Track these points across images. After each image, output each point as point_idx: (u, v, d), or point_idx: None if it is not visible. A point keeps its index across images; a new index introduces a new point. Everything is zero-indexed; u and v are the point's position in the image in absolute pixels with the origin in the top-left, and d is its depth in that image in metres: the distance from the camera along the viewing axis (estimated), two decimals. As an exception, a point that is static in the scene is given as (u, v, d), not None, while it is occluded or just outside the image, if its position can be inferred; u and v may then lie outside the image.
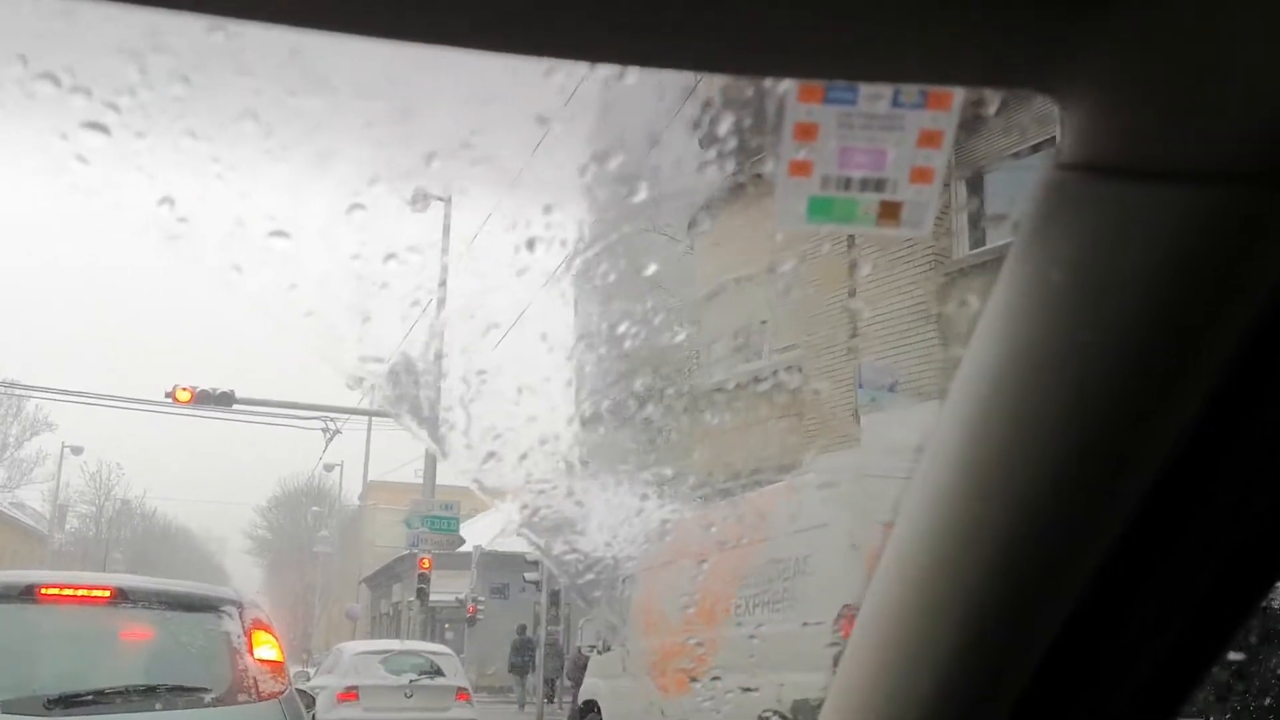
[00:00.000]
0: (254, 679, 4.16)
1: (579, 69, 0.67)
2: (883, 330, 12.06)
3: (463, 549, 24.51)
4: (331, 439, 27.27)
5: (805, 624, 7.64)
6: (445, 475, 31.07)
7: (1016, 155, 11.03)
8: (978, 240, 11.57)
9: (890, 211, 0.85)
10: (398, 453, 45.04)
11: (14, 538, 50.53)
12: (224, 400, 20.77)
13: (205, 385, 20.41)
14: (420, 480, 23.94)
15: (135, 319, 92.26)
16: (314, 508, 59.66)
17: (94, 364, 68.66)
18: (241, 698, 4.10)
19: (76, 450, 51.04)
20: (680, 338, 18.27)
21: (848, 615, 7.33)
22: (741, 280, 15.08)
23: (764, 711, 7.87)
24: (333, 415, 26.39)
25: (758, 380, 14.57)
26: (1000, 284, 0.81)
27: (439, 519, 21.70)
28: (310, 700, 4.77)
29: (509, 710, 22.05)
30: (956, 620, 0.83)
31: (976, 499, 0.81)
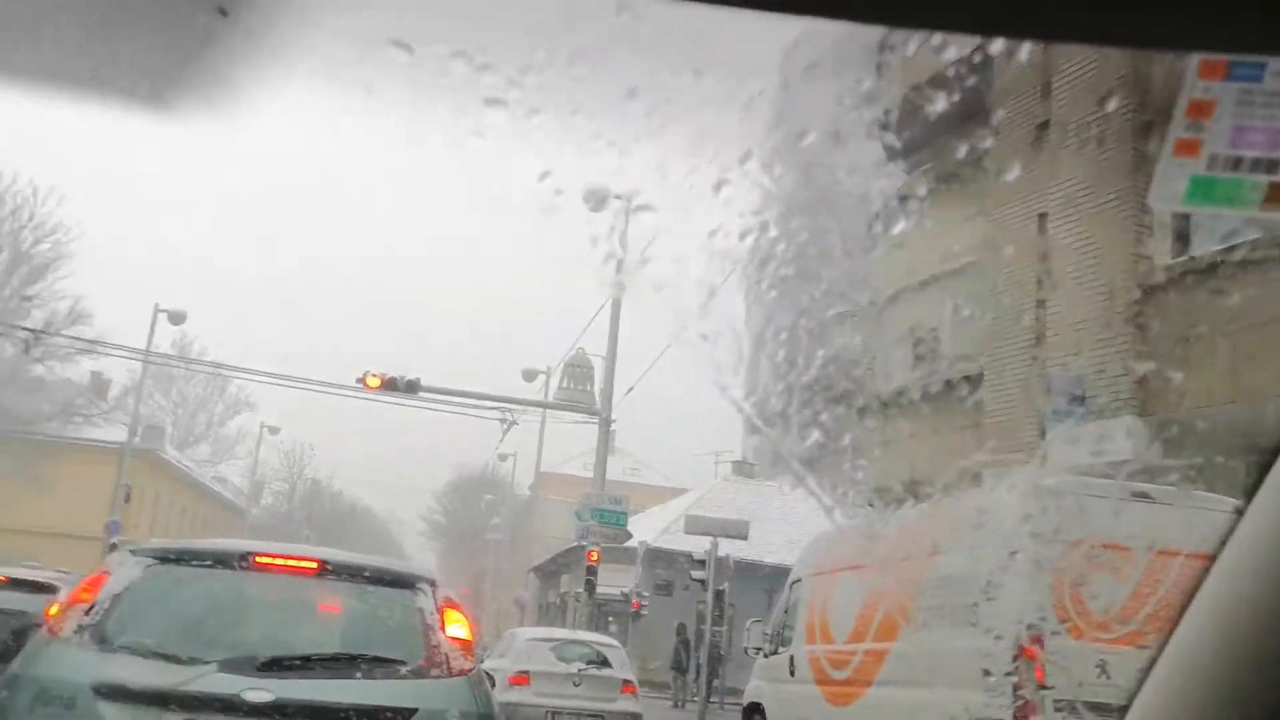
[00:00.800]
0: (446, 655, 4.34)
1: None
2: (1072, 341, 11.60)
3: (629, 544, 24.81)
4: (508, 430, 28.06)
5: (985, 642, 7.44)
6: (615, 470, 31.54)
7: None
8: (1181, 248, 10.99)
9: (1277, 193, 0.82)
10: (569, 445, 45.97)
11: (215, 510, 53.97)
12: (411, 388, 21.64)
13: (394, 373, 21.32)
14: (590, 473, 24.35)
15: (332, 305, 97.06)
16: (487, 495, 61.42)
17: (294, 349, 72.53)
18: (434, 672, 4.28)
19: (274, 430, 54.08)
20: (856, 342, 18.03)
21: (1031, 636, 7.11)
22: (922, 285, 14.77)
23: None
24: (510, 407, 27.13)
25: (937, 388, 14.23)
26: None
27: (608, 513, 22.02)
28: (492, 680, 4.97)
29: (663, 706, 22.18)
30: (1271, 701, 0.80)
31: None
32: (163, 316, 33.73)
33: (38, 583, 11.17)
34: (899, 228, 15.54)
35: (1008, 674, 7.03)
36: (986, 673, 7.20)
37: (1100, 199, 11.46)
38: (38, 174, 37.12)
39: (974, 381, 13.25)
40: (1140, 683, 0.92)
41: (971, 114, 13.78)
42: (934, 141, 13.49)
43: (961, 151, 13.19)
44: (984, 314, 13.27)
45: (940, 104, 14.02)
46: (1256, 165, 0.80)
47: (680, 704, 24.93)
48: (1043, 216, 12.30)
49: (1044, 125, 12.47)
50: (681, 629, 26.92)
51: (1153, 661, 0.91)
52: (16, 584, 11.35)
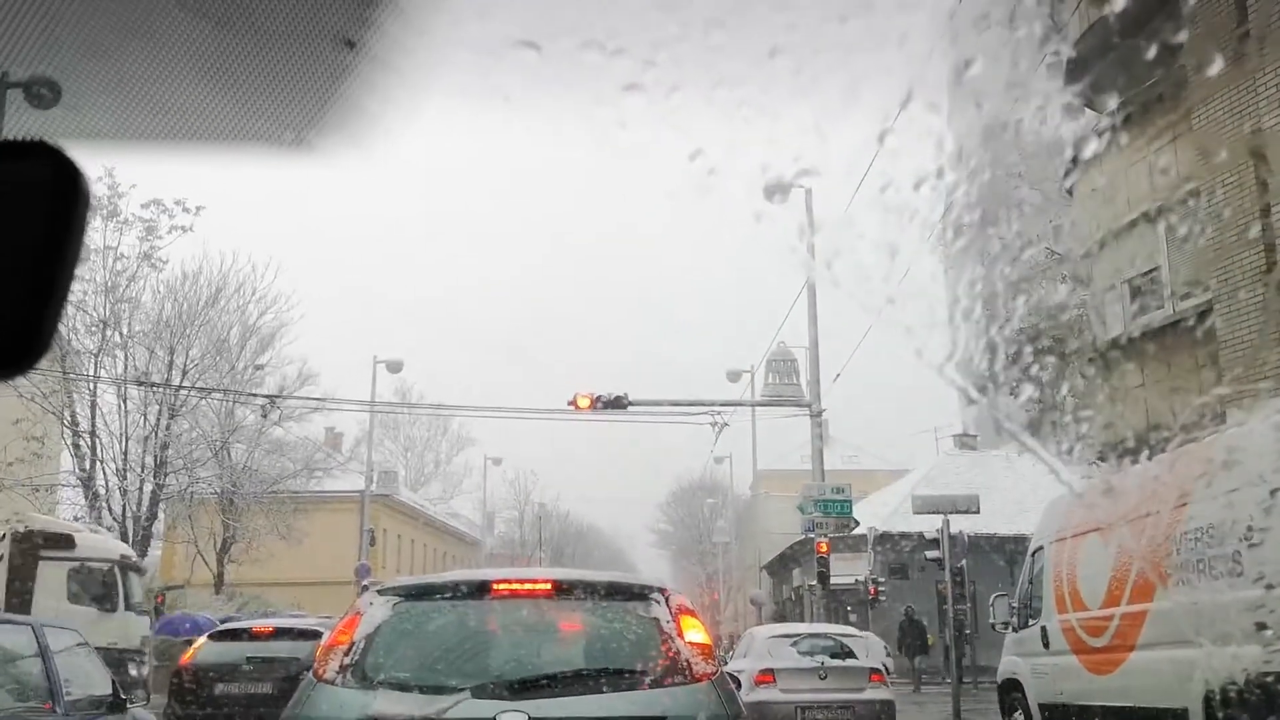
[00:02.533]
0: (687, 661, 4.38)
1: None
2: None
3: (858, 531, 24.45)
4: (720, 432, 28.14)
5: (1254, 592, 6.93)
6: (832, 459, 31.14)
7: None
8: None
9: None
10: (783, 440, 45.73)
11: (452, 543, 56.51)
12: (618, 404, 22.05)
13: (601, 391, 21.77)
14: (808, 465, 24.13)
15: (539, 332, 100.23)
16: (709, 500, 61.83)
17: (504, 380, 75.32)
18: (677, 679, 4.32)
19: (496, 461, 56.19)
20: (1069, 294, 17.20)
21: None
22: (1132, 223, 13.93)
23: (1212, 688, 7.23)
24: (718, 409, 27.23)
25: (1162, 328, 13.39)
26: None
27: (831, 502, 21.79)
28: (737, 682, 4.98)
29: (903, 691, 21.64)
30: None
31: None
32: (381, 367, 35.66)
33: (303, 629, 11.98)
34: (1098, 168, 14.73)
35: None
36: (1261, 625, 6.69)
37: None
38: (243, 246, 39.86)
39: (1203, 314, 12.39)
40: None
41: (1161, 38, 12.94)
42: (1124, 74, 12.73)
43: (1155, 78, 12.41)
44: (1205, 241, 12.39)
45: (1127, 32, 13.26)
46: None
47: (917, 687, 24.34)
48: (1255, 129, 11.39)
49: (1243, 36, 11.56)
50: (909, 610, 26.33)
51: None
52: (284, 632, 12.22)
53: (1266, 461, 6.84)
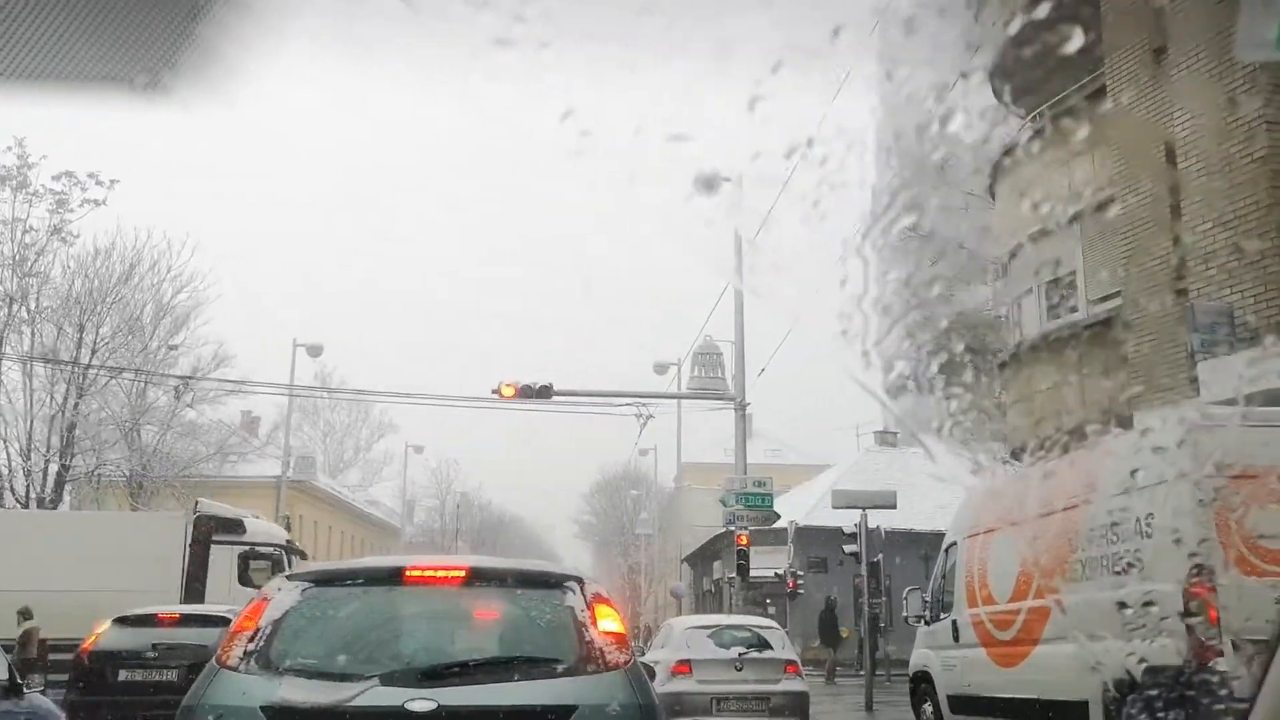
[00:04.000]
0: (600, 650, 4.37)
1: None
2: (1214, 267, 11.03)
3: (778, 525, 24.69)
4: (645, 424, 28.21)
5: (1152, 587, 7.14)
6: (755, 453, 31.40)
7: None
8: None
9: None
10: (708, 433, 46.01)
11: (370, 531, 55.86)
12: (544, 393, 21.95)
13: (527, 380, 21.67)
14: (731, 459, 24.31)
15: (464, 321, 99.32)
16: (633, 491, 61.99)
17: (428, 366, 74.54)
18: (590, 668, 4.31)
19: (418, 449, 55.69)
20: (985, 295, 17.54)
21: (1200, 576, 6.79)
22: (1050, 230, 14.26)
23: (1114, 678, 7.44)
24: (644, 401, 27.29)
25: (1075, 333, 13.73)
26: None
27: (753, 495, 21.96)
28: (651, 672, 4.99)
29: (816, 683, 21.96)
30: None
31: None
32: (301, 350, 35.09)
33: (211, 616, 11.73)
34: (1019, 171, 15.04)
35: (1182, 614, 6.74)
36: (1159, 618, 6.91)
37: (1227, 117, 10.87)
38: (150, 219, 38.90)
39: (1114, 322, 12.73)
40: (1278, 642, 0.85)
41: (1082, 49, 13.22)
42: (1046, 83, 12.99)
43: (1076, 89, 12.70)
44: (1118, 252, 12.73)
45: (1047, 43, 13.52)
46: None
47: (830, 678, 24.69)
48: (1169, 144, 11.73)
49: (1160, 50, 11.88)
50: (830, 602, 26.71)
51: None
52: (191, 619, 11.96)
53: (1164, 463, 7.05)
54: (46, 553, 17.58)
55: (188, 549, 18.30)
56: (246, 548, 18.94)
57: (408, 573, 4.68)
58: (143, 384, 28.75)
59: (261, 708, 4.01)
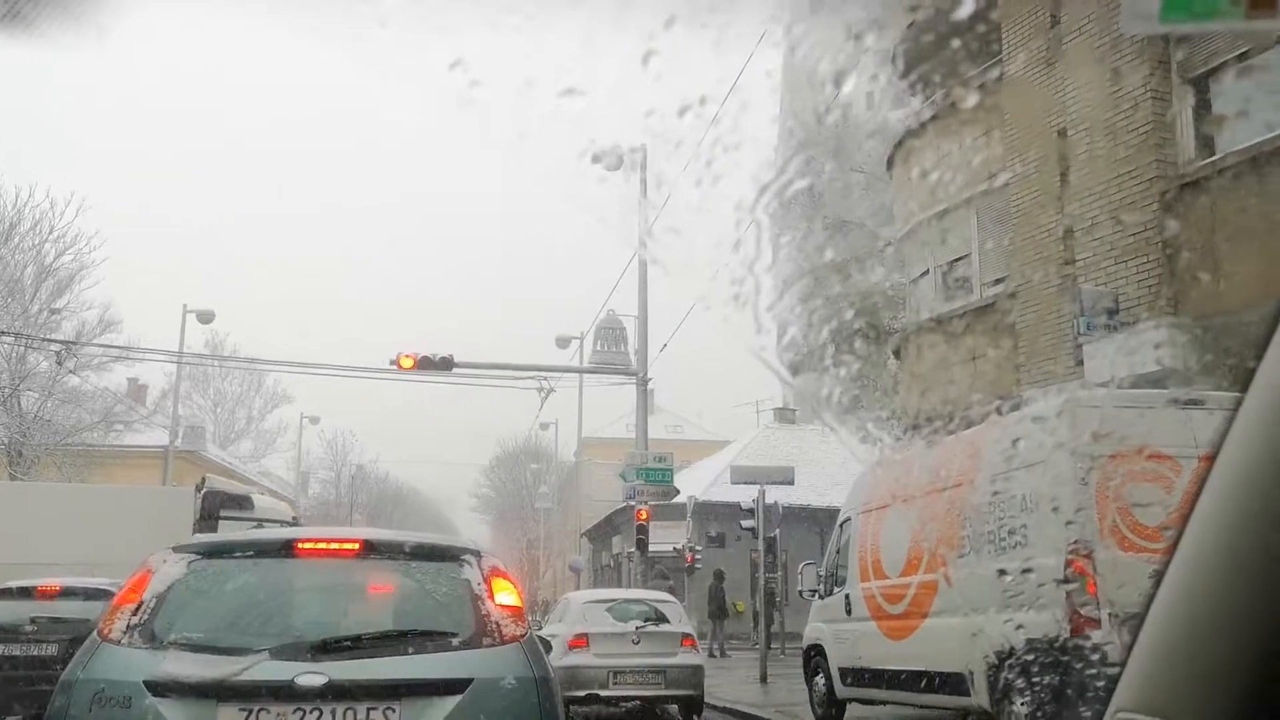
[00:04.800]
0: (496, 623, 4.35)
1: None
2: (1101, 252, 11.41)
3: (678, 500, 24.88)
4: (546, 398, 28.12)
5: (1034, 562, 7.39)
6: (657, 428, 31.57)
7: (1244, 56, 10.18)
8: (1207, 149, 10.74)
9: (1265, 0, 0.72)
10: (609, 408, 46.13)
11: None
12: (444, 365, 21.70)
13: (427, 352, 21.39)
14: (632, 434, 24.39)
15: (362, 289, 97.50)
16: (533, 465, 61.87)
17: (324, 337, 73.16)
18: (486, 641, 4.29)
19: (314, 420, 54.63)
20: (882, 276, 17.87)
21: (1080, 551, 7.05)
22: (947, 212, 14.57)
23: (997, 651, 7.69)
24: (546, 375, 27.18)
25: (967, 315, 14.08)
26: None
27: (653, 471, 22.07)
28: (547, 646, 4.98)
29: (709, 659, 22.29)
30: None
31: None
32: (191, 317, 34.07)
33: (93, 589, 11.37)
34: (917, 156, 15.32)
35: (1062, 585, 6.98)
36: (1039, 590, 7.15)
37: (1118, 106, 11.22)
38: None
39: (1006, 304, 13.10)
40: (1155, 587, 0.88)
41: (979, 34, 13.52)
42: (944, 67, 13.24)
43: (973, 73, 12.97)
44: (1011, 235, 13.08)
45: (945, 27, 13.80)
46: None
47: (718, 652, 24.89)
48: (1061, 130, 12.07)
49: (1055, 37, 12.21)
50: (719, 575, 27.00)
51: (1166, 565, 0.88)
52: (72, 592, 11.57)
53: (1049, 442, 7.28)
54: (51, 525, 17.20)
55: (196, 524, 18.19)
56: (254, 523, 18.64)
57: (300, 545, 4.59)
58: (23, 348, 27.62)
59: (145, 682, 3.90)
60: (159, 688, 3.89)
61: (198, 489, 19.35)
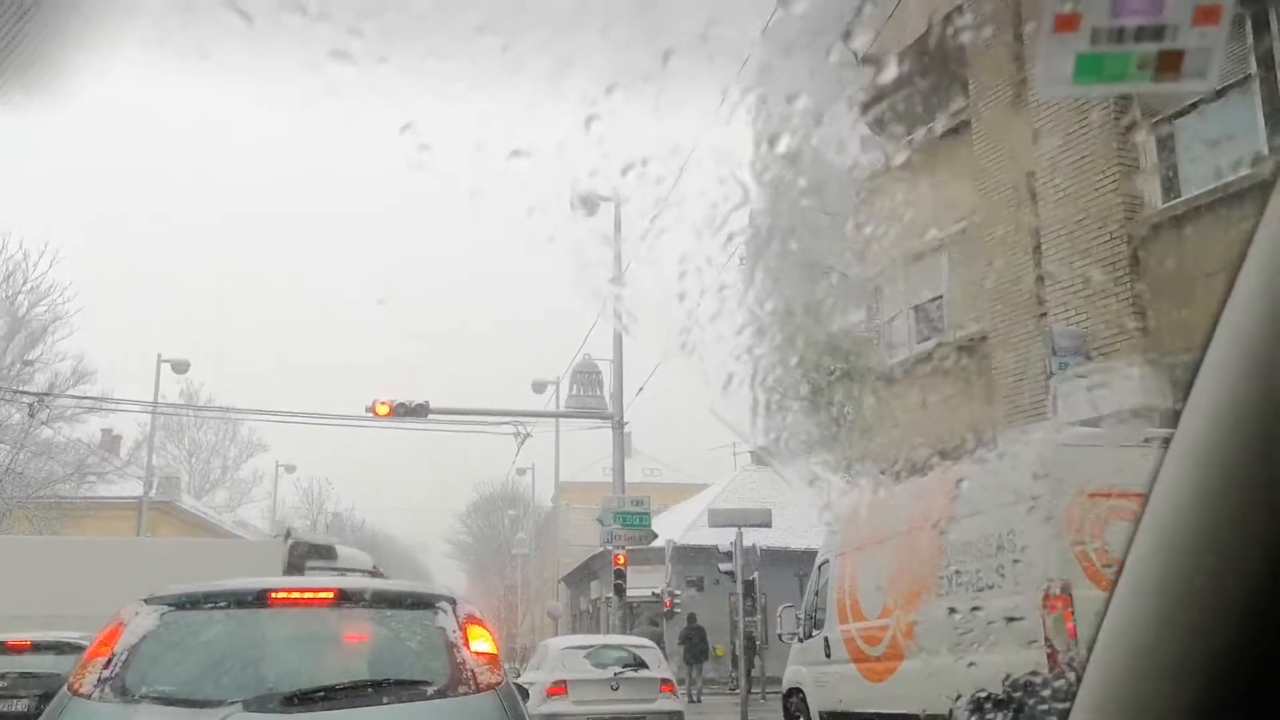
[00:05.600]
0: (472, 671, 4.31)
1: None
2: (1072, 294, 11.55)
3: (656, 544, 24.78)
4: (523, 443, 28.04)
5: (1012, 601, 7.40)
6: (634, 472, 31.52)
7: (1204, 101, 10.39)
8: (1171, 191, 10.93)
9: (1169, 63, 0.76)
10: (586, 452, 46.01)
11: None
12: (419, 411, 21.64)
13: (402, 398, 21.33)
14: (610, 478, 24.34)
15: (337, 337, 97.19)
16: (510, 511, 61.50)
17: (299, 385, 72.76)
18: (461, 689, 4.25)
19: (289, 468, 54.25)
20: (858, 319, 17.98)
21: (1056, 591, 7.07)
22: (919, 255, 14.72)
23: (976, 692, 7.67)
24: (522, 420, 27.13)
25: (941, 356, 14.19)
26: (1263, 232, 0.74)
27: (631, 515, 22.00)
28: (524, 693, 4.94)
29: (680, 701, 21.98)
30: (1221, 627, 0.79)
31: (1237, 487, 0.76)
32: (166, 366, 33.86)
33: (64, 643, 11.19)
34: (888, 200, 15.49)
35: (1042, 627, 7.00)
36: (1020, 631, 7.16)
37: (1084, 150, 11.41)
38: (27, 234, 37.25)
39: (979, 346, 13.21)
40: (1099, 623, 0.91)
41: (949, 80, 13.76)
42: (914, 110, 13.43)
43: (944, 118, 13.18)
44: (983, 277, 13.22)
45: (915, 73, 14.02)
46: (1142, 34, 0.75)
47: (695, 698, 24.52)
48: (1030, 174, 12.26)
49: (1021, 82, 12.43)
50: (692, 618, 26.80)
51: (1111, 593, 0.91)
52: (43, 646, 11.38)
53: (1023, 481, 7.33)
54: (146, 579, 16.85)
55: (285, 574, 18.30)
56: (337, 573, 18.82)
57: (273, 595, 4.54)
58: (-6, 401, 27.36)
59: None
60: None
61: (285, 538, 19.56)
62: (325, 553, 19.58)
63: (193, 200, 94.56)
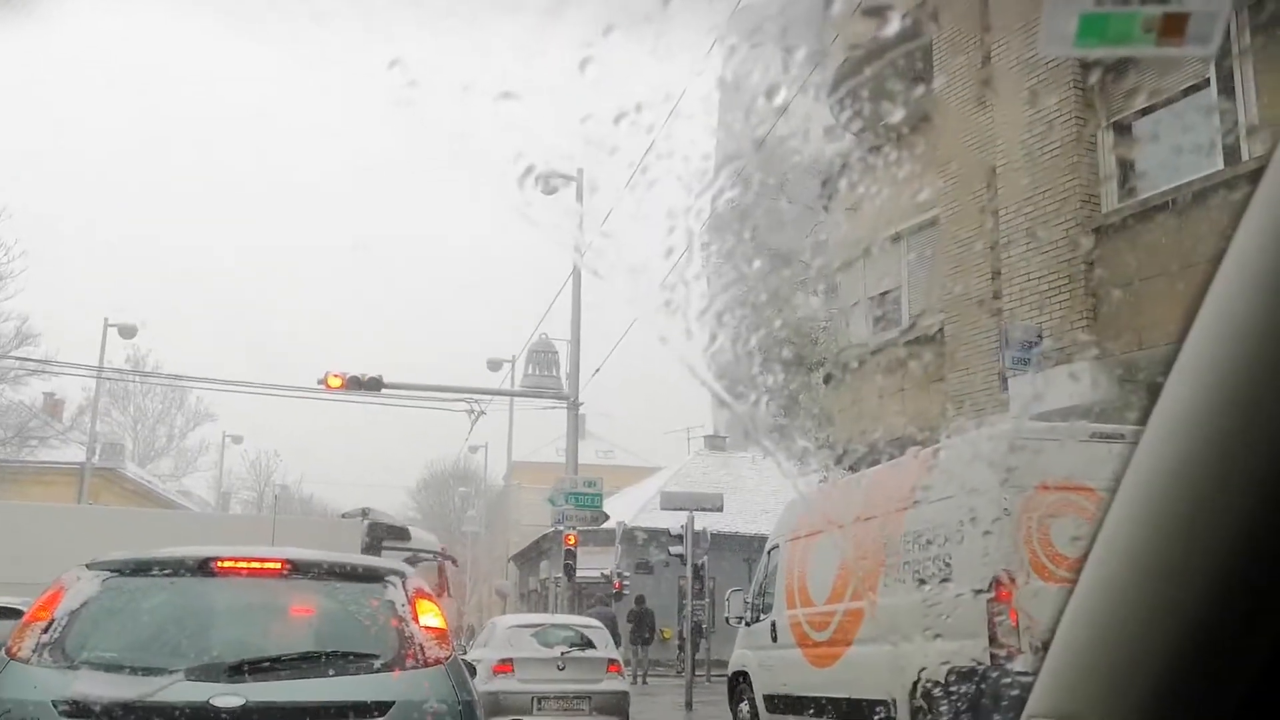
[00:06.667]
0: (420, 645, 4.29)
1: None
2: (1028, 289, 11.67)
3: (607, 525, 24.81)
4: (476, 421, 27.87)
5: (958, 591, 7.49)
6: (587, 453, 31.49)
7: (1169, 101, 10.51)
8: (1128, 191, 11.06)
9: (1174, 26, 0.76)
10: (540, 432, 45.91)
11: (184, 523, 53.34)
12: (373, 385, 21.45)
13: (355, 372, 21.13)
14: (563, 459, 24.30)
15: (290, 307, 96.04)
16: (461, 489, 61.28)
17: (250, 354, 71.90)
18: (409, 663, 4.23)
19: (237, 439, 53.66)
20: (815, 305, 18.08)
21: (1003, 581, 7.16)
22: (878, 246, 14.80)
23: (919, 679, 7.76)
24: (476, 397, 27.00)
25: (898, 347, 14.29)
26: (1249, 220, 0.73)
27: (583, 495, 22.00)
28: (472, 670, 4.91)
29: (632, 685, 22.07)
30: (1185, 607, 0.80)
31: (1212, 475, 0.77)
32: (113, 331, 33.28)
33: (2, 607, 10.97)
34: (851, 190, 15.56)
35: (986, 617, 7.08)
36: (964, 620, 7.25)
37: (1045, 146, 11.51)
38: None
39: (936, 338, 13.31)
40: (1058, 618, 0.92)
41: (915, 73, 13.82)
42: (880, 103, 13.49)
43: (908, 111, 13.23)
44: (941, 271, 13.32)
45: (882, 64, 14.08)
46: None
47: (640, 679, 24.57)
48: (992, 169, 12.35)
49: (985, 72, 12.51)
50: (640, 600, 26.88)
51: (1076, 577, 0.92)
52: None
53: (973, 474, 7.41)
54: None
55: (363, 553, 18.89)
56: (410, 553, 19.54)
57: (220, 563, 4.48)
58: (-66, 360, 26.77)
59: (54, 702, 3.77)
60: (68, 708, 3.76)
61: (362, 518, 19.91)
62: (400, 534, 20.31)
63: (147, 161, 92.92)
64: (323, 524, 25.24)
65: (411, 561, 20.22)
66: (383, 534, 19.62)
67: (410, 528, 21.44)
